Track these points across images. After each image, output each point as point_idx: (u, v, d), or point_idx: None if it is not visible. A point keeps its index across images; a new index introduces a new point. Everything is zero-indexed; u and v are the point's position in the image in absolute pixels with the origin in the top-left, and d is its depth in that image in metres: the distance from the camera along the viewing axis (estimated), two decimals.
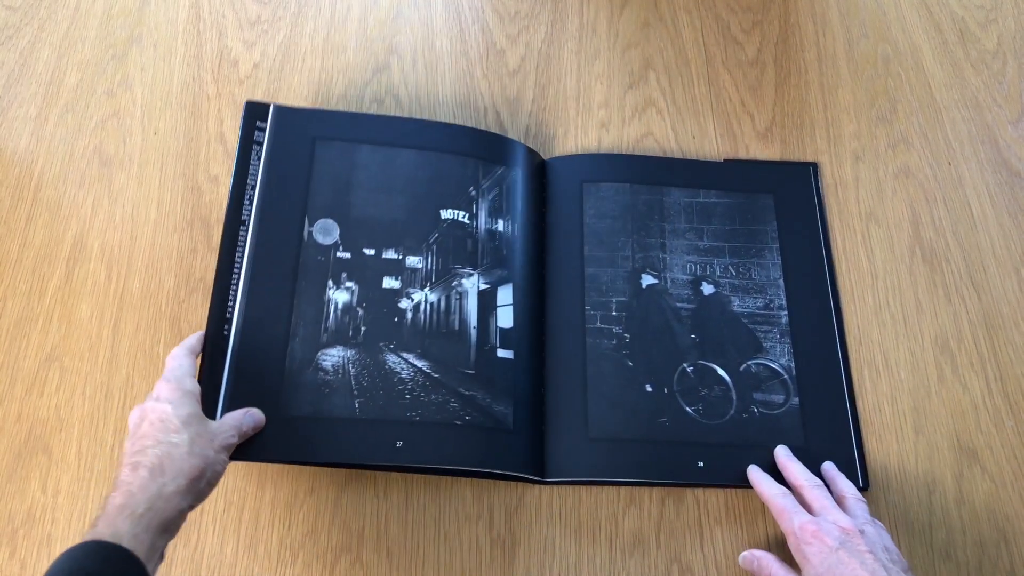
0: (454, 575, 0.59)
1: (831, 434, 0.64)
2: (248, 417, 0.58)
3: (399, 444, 0.60)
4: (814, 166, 0.76)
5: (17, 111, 0.77)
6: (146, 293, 0.69)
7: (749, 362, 0.66)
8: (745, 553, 0.59)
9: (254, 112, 0.70)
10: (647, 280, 0.69)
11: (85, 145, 0.76)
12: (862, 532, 0.53)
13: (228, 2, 0.84)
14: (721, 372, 0.65)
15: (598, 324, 0.67)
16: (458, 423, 0.61)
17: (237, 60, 0.81)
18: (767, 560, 0.57)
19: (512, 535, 0.61)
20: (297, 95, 0.79)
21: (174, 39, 0.82)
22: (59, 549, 0.59)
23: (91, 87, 0.79)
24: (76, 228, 0.71)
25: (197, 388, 0.57)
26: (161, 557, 0.48)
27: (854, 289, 0.71)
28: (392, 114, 0.78)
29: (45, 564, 0.58)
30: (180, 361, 0.58)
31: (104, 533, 0.45)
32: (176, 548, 0.59)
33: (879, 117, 0.80)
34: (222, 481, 0.61)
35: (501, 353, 0.64)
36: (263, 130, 0.70)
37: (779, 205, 0.73)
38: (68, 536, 0.59)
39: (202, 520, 0.60)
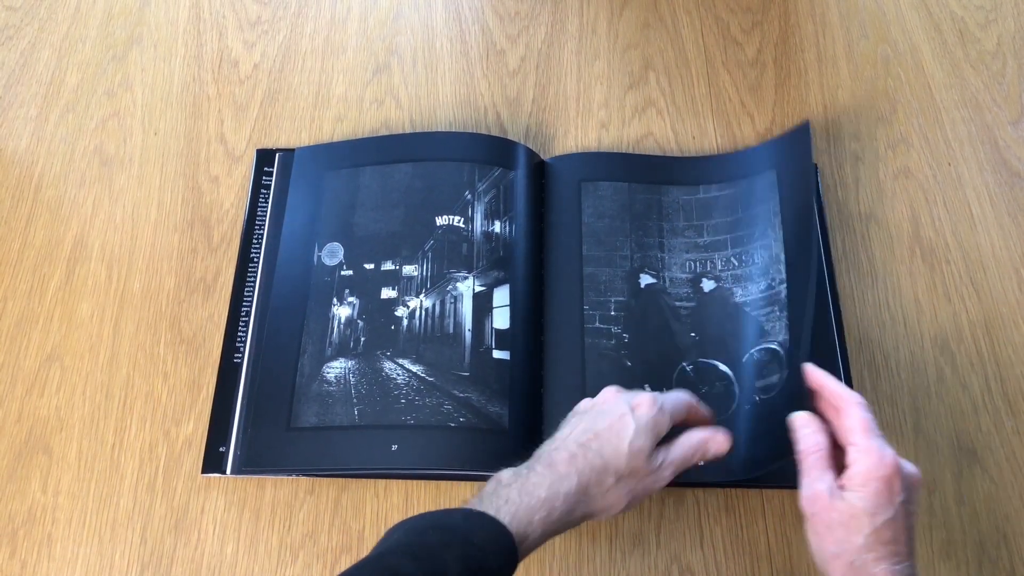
0: None
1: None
2: (711, 445, 0.54)
3: (394, 448, 0.60)
4: (814, 166, 0.76)
5: (18, 111, 0.77)
6: (146, 293, 0.69)
7: (752, 350, 0.65)
8: (803, 415, 0.52)
9: (263, 158, 0.74)
10: (646, 280, 0.69)
11: (85, 145, 0.76)
12: (920, 488, 0.50)
13: (228, 2, 0.85)
14: (723, 368, 0.65)
15: (596, 324, 0.67)
16: (452, 425, 0.61)
17: (237, 60, 0.81)
18: (817, 443, 0.50)
19: None
20: (297, 95, 0.79)
21: (174, 39, 0.82)
22: (59, 549, 0.59)
23: (91, 87, 0.79)
24: (76, 228, 0.72)
25: (668, 426, 0.53)
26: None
27: (854, 289, 0.71)
28: (392, 117, 0.78)
29: (45, 564, 0.59)
30: (678, 394, 0.56)
31: (522, 520, 0.47)
32: (176, 548, 0.59)
33: (879, 117, 0.80)
34: (222, 481, 0.61)
35: (497, 354, 0.64)
36: (271, 173, 0.73)
37: (781, 179, 0.70)
38: (68, 536, 0.59)
39: (202, 520, 0.60)
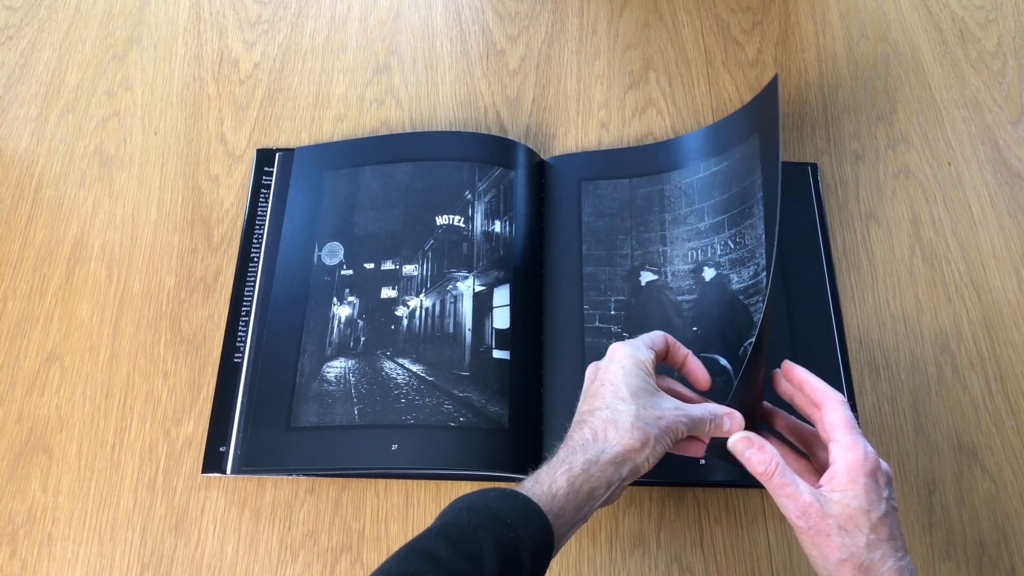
0: None
1: None
2: (726, 419, 0.52)
3: (394, 447, 0.60)
4: (814, 166, 0.76)
5: (18, 111, 0.77)
6: (146, 293, 0.69)
7: (745, 343, 0.65)
8: (742, 436, 0.51)
9: (263, 158, 0.74)
10: (646, 277, 0.69)
11: (86, 145, 0.76)
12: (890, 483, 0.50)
13: (228, 2, 0.85)
14: (723, 362, 0.65)
15: (596, 323, 0.67)
16: (452, 425, 0.61)
17: (237, 60, 0.81)
18: (773, 456, 0.49)
19: None
20: (297, 95, 0.79)
21: (174, 39, 0.82)
22: (59, 549, 0.59)
23: (91, 87, 0.79)
24: (77, 228, 0.72)
25: (651, 357, 0.53)
26: (584, 518, 0.48)
27: (854, 289, 0.71)
28: (392, 117, 0.78)
29: (45, 564, 0.59)
30: (647, 336, 0.55)
31: (544, 481, 0.47)
32: (176, 548, 0.59)
33: (879, 117, 0.80)
34: (222, 480, 0.61)
35: (497, 354, 0.64)
36: (271, 173, 0.73)
37: (762, 145, 0.66)
38: (68, 536, 0.60)
39: (202, 520, 0.60)
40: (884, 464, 0.49)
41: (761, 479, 0.49)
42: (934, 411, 0.66)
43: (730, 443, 0.51)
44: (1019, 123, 0.79)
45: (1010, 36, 0.85)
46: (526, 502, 0.45)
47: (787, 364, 0.55)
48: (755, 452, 0.50)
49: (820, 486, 0.49)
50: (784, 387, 0.56)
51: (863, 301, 0.70)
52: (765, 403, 0.58)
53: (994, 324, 0.69)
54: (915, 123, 0.79)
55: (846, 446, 0.48)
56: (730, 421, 0.52)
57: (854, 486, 0.47)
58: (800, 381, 0.54)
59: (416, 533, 0.60)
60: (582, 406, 0.52)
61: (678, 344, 0.56)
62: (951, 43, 0.84)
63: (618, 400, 0.50)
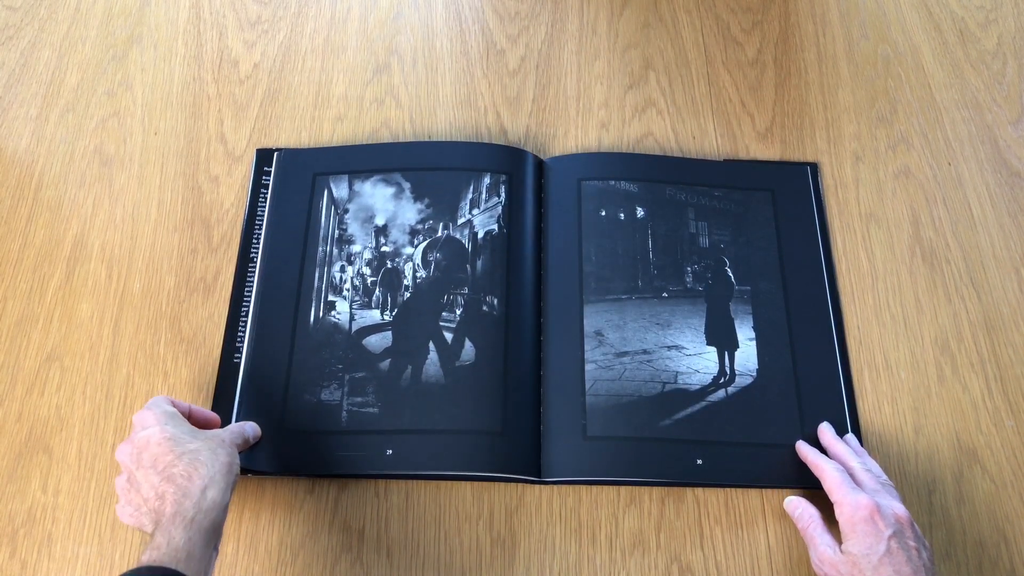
0: (454, 575, 0.59)
1: None
2: (249, 427, 0.61)
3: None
4: (814, 166, 0.76)
5: (18, 111, 0.77)
6: (146, 293, 0.69)
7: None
8: (793, 498, 0.60)
9: (263, 158, 0.74)
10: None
11: (85, 145, 0.76)
12: (912, 524, 0.54)
13: (228, 2, 0.85)
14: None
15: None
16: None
17: (237, 60, 0.81)
18: (810, 514, 0.58)
19: (512, 535, 0.61)
20: (297, 95, 0.79)
21: (174, 39, 0.82)
22: (59, 549, 0.59)
23: (91, 87, 0.79)
24: (77, 228, 0.72)
25: (174, 408, 0.56)
26: (218, 540, 0.51)
27: (854, 289, 0.70)
28: (392, 116, 0.78)
29: (45, 564, 0.59)
30: (154, 399, 0.58)
31: (161, 544, 0.48)
32: None
33: (879, 117, 0.80)
34: None
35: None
36: (270, 172, 0.73)
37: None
38: (68, 536, 0.60)
39: None
40: (896, 506, 0.54)
41: (800, 531, 0.58)
42: (934, 411, 0.66)
43: (786, 501, 0.60)
44: (1019, 123, 0.79)
45: (1010, 36, 0.85)
46: (149, 572, 0.47)
47: (798, 445, 0.62)
48: (802, 509, 0.59)
49: (841, 541, 0.55)
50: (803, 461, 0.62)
51: (863, 301, 0.70)
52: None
53: (994, 324, 0.69)
54: (915, 123, 0.79)
55: (840, 502, 0.55)
56: (250, 428, 0.60)
57: (854, 534, 0.53)
58: (803, 456, 0.61)
59: (416, 533, 0.60)
60: (152, 479, 0.51)
61: (176, 401, 0.59)
62: (951, 43, 0.84)
63: (181, 445, 0.52)
